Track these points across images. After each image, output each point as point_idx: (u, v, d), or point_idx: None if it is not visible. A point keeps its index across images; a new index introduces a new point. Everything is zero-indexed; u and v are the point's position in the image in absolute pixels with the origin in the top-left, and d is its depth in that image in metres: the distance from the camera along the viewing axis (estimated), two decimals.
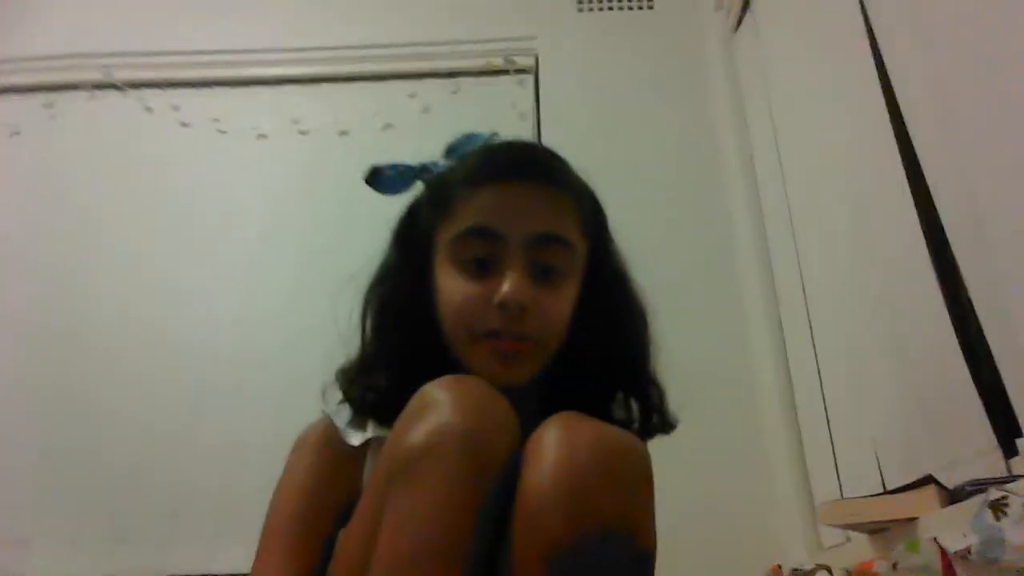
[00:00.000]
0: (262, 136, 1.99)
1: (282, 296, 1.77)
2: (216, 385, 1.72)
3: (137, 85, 2.05)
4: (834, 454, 1.41)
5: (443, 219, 0.78)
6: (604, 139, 1.91)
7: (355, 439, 0.76)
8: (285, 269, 1.80)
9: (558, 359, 0.77)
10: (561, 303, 0.76)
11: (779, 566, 1.16)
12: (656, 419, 0.80)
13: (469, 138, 0.84)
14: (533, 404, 0.74)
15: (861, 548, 1.18)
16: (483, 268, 0.74)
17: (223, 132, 1.99)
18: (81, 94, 2.05)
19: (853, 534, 1.24)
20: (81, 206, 1.92)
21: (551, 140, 1.88)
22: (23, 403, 1.72)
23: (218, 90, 2.06)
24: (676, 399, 1.59)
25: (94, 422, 1.69)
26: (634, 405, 0.81)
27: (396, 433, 0.61)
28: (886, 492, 1.16)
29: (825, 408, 1.44)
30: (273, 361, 1.71)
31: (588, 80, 2.01)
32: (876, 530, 1.09)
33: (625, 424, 0.79)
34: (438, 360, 0.74)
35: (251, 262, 1.83)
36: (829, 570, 0.98)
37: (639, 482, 0.58)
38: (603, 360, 0.79)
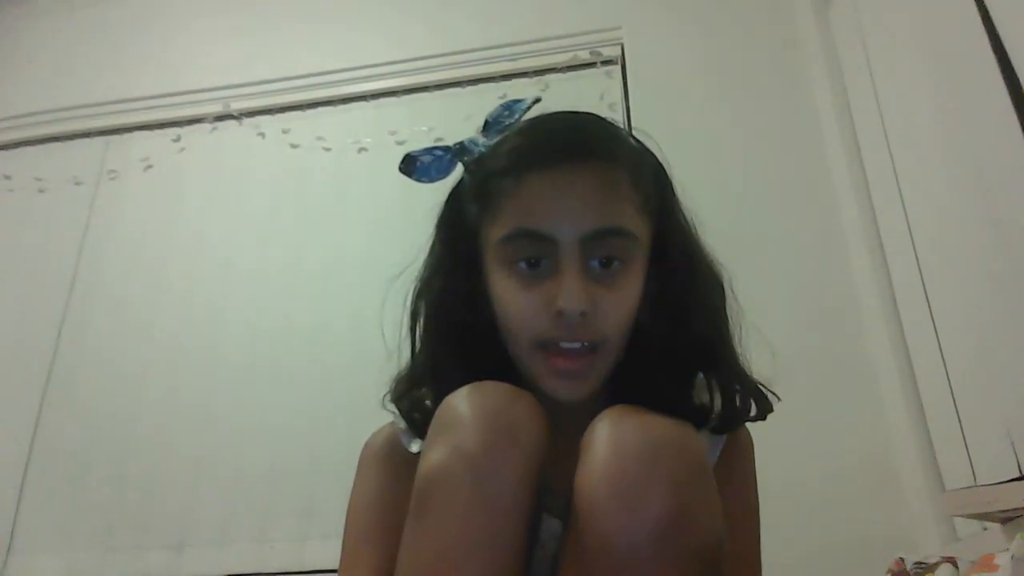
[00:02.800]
0: (363, 150, 2.08)
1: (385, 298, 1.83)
2: (337, 393, 1.79)
3: (251, 113, 2.21)
4: (964, 438, 1.31)
5: (487, 216, 0.70)
6: (698, 123, 1.86)
7: (414, 446, 0.73)
8: (386, 274, 1.85)
9: (628, 344, 0.70)
10: (625, 299, 0.68)
11: (902, 559, 1.09)
12: (740, 403, 0.72)
13: (508, 108, 0.74)
14: (602, 393, 0.70)
15: (996, 538, 1.10)
16: (536, 267, 0.67)
17: (328, 149, 2.10)
18: (204, 127, 2.22)
19: (990, 523, 1.16)
20: (206, 227, 2.08)
21: (643, 128, 1.86)
22: (176, 417, 1.87)
23: (322, 110, 2.17)
24: (785, 383, 1.54)
25: (235, 430, 1.82)
26: (715, 388, 0.72)
27: (422, 453, 0.59)
28: (1021, 477, 1.08)
29: (951, 388, 1.35)
30: (378, 357, 1.78)
31: (677, 65, 1.96)
32: (1008, 519, 1.02)
33: (705, 411, 0.71)
34: (494, 364, 0.70)
35: (358, 268, 1.90)
36: (954, 563, 0.92)
37: (690, 475, 0.54)
38: (675, 344, 0.70)
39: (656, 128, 2.05)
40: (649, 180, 0.72)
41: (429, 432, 0.60)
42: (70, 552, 1.78)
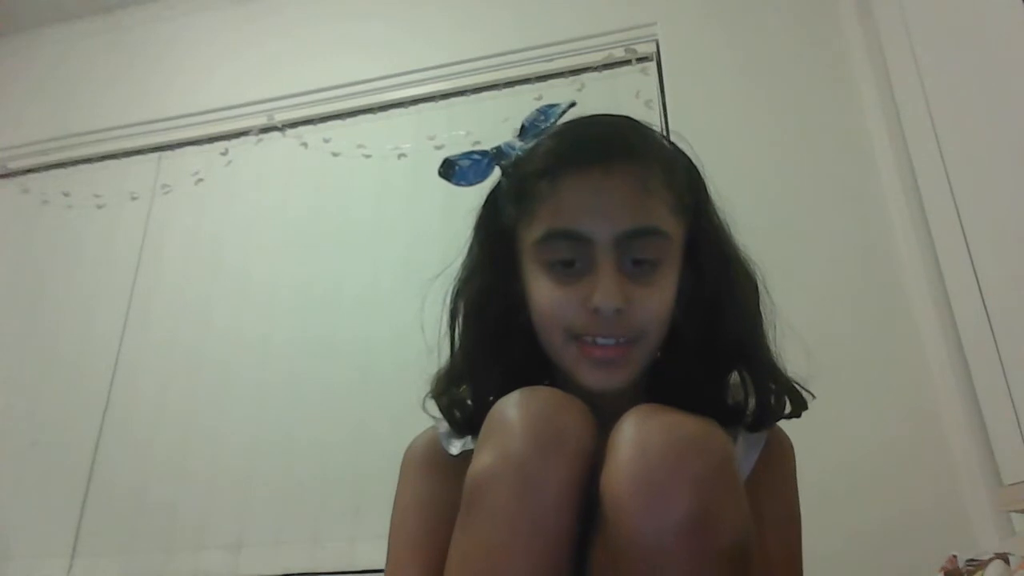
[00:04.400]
0: (403, 156, 2.11)
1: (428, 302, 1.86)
2: (381, 400, 1.82)
3: (294, 124, 2.26)
4: (1021, 431, 1.27)
5: (524, 218, 0.72)
6: (736, 118, 1.84)
7: (454, 448, 0.75)
8: (429, 275, 1.87)
9: (664, 343, 0.72)
10: (659, 296, 0.69)
11: (955, 556, 1.07)
12: (774, 401, 0.72)
13: (544, 112, 0.77)
14: (640, 392, 0.71)
15: None
16: (571, 268, 0.69)
17: (368, 156, 2.13)
18: (250, 139, 2.28)
19: None
20: (253, 236, 2.14)
21: (680, 125, 1.85)
22: (232, 417, 1.93)
23: (362, 118, 2.21)
24: (840, 377, 1.51)
25: (290, 430, 1.87)
26: (749, 384, 0.73)
27: (473, 456, 0.61)
28: None
29: (1007, 380, 1.31)
30: (422, 362, 1.81)
31: (713, 60, 1.93)
32: None
33: (739, 409, 0.72)
34: (532, 363, 0.73)
35: (400, 274, 1.93)
36: (1006, 558, 0.90)
37: (714, 474, 0.54)
38: (709, 342, 0.72)
39: (693, 124, 2.04)
40: (682, 181, 0.73)
41: (480, 435, 0.62)
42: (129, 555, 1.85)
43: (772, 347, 0.74)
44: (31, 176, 2.44)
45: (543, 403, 0.61)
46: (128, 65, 2.52)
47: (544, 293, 0.70)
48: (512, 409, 0.61)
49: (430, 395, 0.77)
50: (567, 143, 0.72)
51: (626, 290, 0.67)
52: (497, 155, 0.76)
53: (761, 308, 0.75)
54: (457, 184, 0.77)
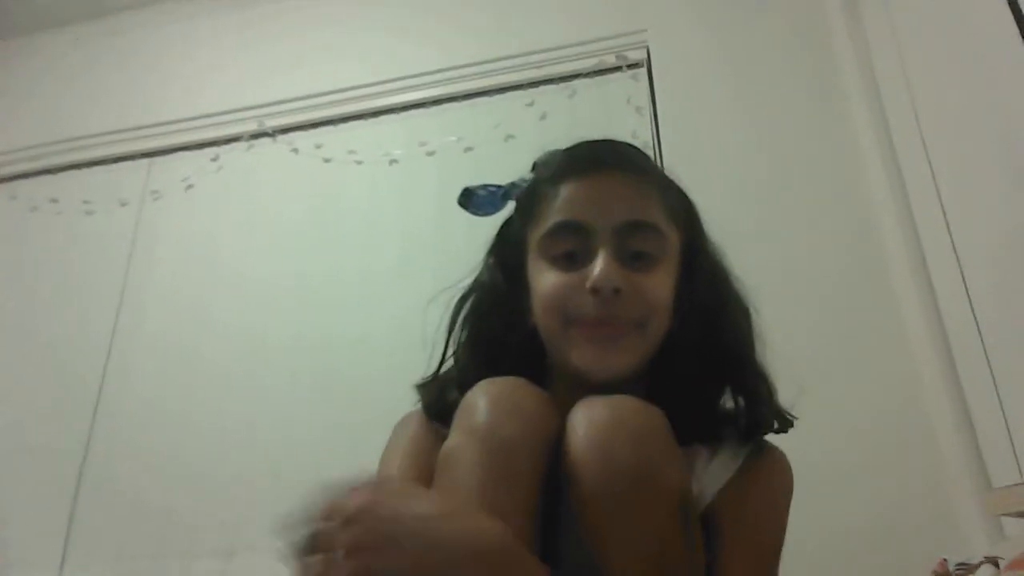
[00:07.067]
0: (394, 161, 2.11)
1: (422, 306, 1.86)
2: (376, 402, 1.83)
3: (285, 130, 2.25)
4: (1009, 434, 1.28)
5: (532, 221, 0.78)
6: (726, 124, 1.85)
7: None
8: (422, 282, 1.88)
9: (660, 356, 0.75)
10: (657, 283, 0.73)
11: (946, 560, 1.08)
12: (763, 412, 0.76)
13: (552, 153, 0.83)
14: (640, 396, 0.71)
15: None
16: (574, 260, 0.74)
17: (360, 162, 2.14)
18: (241, 145, 2.27)
19: None
20: (245, 242, 2.13)
21: (670, 131, 1.86)
22: (224, 424, 1.92)
23: (353, 124, 2.21)
24: (831, 387, 1.51)
25: (283, 436, 1.86)
26: (741, 400, 0.77)
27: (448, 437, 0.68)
28: None
29: (995, 384, 1.32)
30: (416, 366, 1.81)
31: (704, 66, 1.94)
32: None
33: (732, 416, 0.76)
34: (529, 364, 0.76)
35: (393, 277, 1.93)
36: (996, 562, 0.91)
37: (650, 433, 0.63)
38: (703, 357, 0.75)
39: (683, 130, 2.05)
40: (677, 200, 0.80)
41: (453, 422, 0.69)
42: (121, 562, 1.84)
43: (764, 372, 0.78)
44: (19, 182, 2.43)
45: (501, 385, 0.69)
46: (118, 70, 2.51)
47: (547, 282, 0.75)
48: (476, 395, 0.68)
49: (415, 386, 0.84)
50: (573, 155, 0.80)
51: (624, 275, 0.72)
52: (512, 187, 0.83)
53: (753, 334, 0.79)
54: (476, 213, 0.84)
